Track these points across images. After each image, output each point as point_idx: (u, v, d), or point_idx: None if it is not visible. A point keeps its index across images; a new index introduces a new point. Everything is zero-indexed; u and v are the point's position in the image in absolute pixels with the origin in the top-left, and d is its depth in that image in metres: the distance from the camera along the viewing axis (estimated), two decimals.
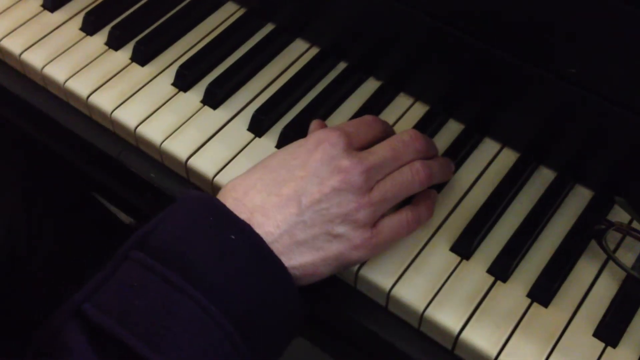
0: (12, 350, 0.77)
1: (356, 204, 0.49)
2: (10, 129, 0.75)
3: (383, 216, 0.51)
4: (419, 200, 0.54)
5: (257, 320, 0.46)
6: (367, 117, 0.55)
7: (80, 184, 0.84)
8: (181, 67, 0.66)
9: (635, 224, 0.55)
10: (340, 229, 0.49)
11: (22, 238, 0.74)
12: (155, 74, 0.66)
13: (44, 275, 0.77)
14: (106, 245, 0.85)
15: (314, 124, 0.58)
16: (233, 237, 0.46)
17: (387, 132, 0.55)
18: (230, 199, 0.49)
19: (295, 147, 0.51)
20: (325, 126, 0.57)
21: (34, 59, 0.67)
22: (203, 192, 0.49)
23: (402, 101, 0.65)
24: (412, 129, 0.54)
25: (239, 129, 0.62)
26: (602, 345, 0.50)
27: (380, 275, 0.53)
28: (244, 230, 0.47)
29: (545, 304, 0.52)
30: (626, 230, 0.55)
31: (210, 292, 0.44)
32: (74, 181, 0.83)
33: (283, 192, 0.49)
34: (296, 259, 0.48)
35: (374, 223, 0.50)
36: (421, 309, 0.52)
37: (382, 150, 0.51)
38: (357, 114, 0.63)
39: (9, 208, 0.73)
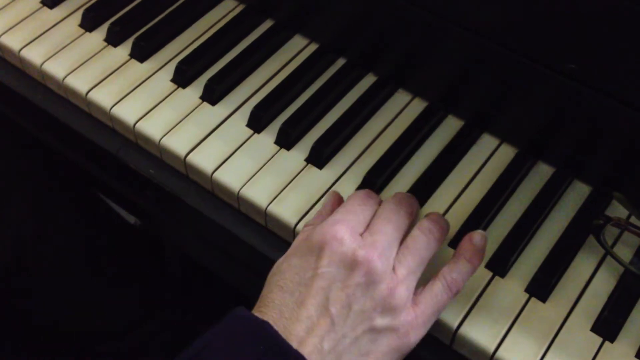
0: (15, 353, 0.77)
1: (387, 289, 0.46)
2: (9, 127, 0.75)
3: (420, 289, 0.49)
4: (458, 252, 0.51)
5: None
6: (360, 195, 0.52)
7: (83, 183, 0.84)
8: (180, 63, 0.66)
9: (633, 220, 0.56)
10: (383, 322, 0.46)
11: (29, 241, 0.74)
12: (154, 70, 0.66)
13: (49, 276, 0.78)
14: (112, 246, 0.85)
15: (331, 196, 0.56)
16: None
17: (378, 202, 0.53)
18: None
19: (301, 257, 0.48)
20: (342, 200, 0.55)
21: (33, 55, 0.67)
22: (251, 313, 0.46)
23: (400, 97, 0.65)
24: (394, 196, 0.52)
25: (238, 125, 0.62)
26: (600, 340, 0.50)
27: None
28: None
29: (543, 299, 0.52)
30: (624, 226, 0.55)
31: None
32: (77, 180, 0.83)
33: (311, 312, 0.45)
34: None
35: (412, 300, 0.48)
36: None
37: (382, 227, 0.49)
38: (355, 110, 0.63)
39: (16, 210, 0.73)
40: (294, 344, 0.44)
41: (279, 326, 0.45)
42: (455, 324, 0.51)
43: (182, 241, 0.73)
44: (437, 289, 0.48)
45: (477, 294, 0.52)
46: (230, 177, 0.59)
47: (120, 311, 0.85)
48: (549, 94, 0.56)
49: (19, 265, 0.73)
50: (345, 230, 0.48)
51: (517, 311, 0.52)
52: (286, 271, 0.48)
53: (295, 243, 0.50)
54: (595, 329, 0.51)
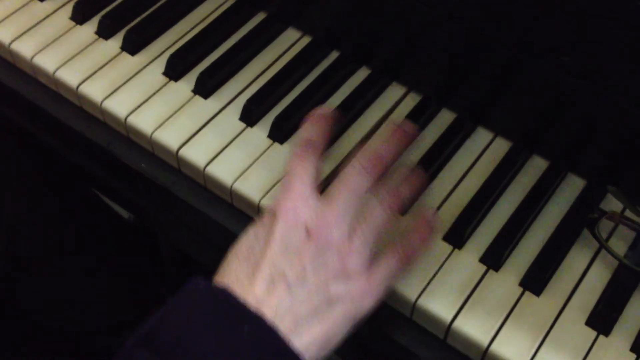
0: (13, 352, 0.77)
1: (340, 258, 0.47)
2: (0, 122, 0.74)
3: (375, 258, 0.49)
4: (412, 228, 0.51)
5: None
6: (295, 152, 0.51)
7: (75, 178, 0.84)
8: (172, 56, 0.65)
9: (627, 213, 0.55)
10: (338, 289, 0.46)
11: (21, 238, 0.73)
12: (145, 63, 0.65)
13: (45, 274, 0.77)
14: (106, 241, 0.85)
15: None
16: (246, 329, 0.43)
17: (323, 136, 0.52)
18: None
19: (256, 228, 0.49)
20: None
21: (24, 48, 0.67)
22: (206, 281, 0.46)
23: (394, 90, 0.64)
24: (356, 156, 0.51)
25: (231, 118, 0.62)
26: (595, 333, 0.50)
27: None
28: (259, 323, 0.43)
29: (538, 292, 0.52)
30: (619, 219, 0.55)
31: None
32: (70, 175, 0.83)
33: (266, 276, 0.46)
34: (305, 335, 0.45)
35: (367, 268, 0.48)
36: (413, 298, 0.52)
37: (338, 192, 0.49)
38: (350, 104, 0.63)
39: (10, 208, 0.73)
40: (252, 305, 0.44)
41: (236, 291, 0.45)
42: (449, 318, 0.51)
43: (175, 236, 0.73)
44: (390, 259, 0.49)
45: (471, 288, 0.52)
46: (223, 171, 0.58)
47: (115, 306, 0.84)
48: (542, 86, 0.55)
49: (13, 262, 0.73)
50: (296, 200, 0.48)
51: (511, 305, 0.51)
52: (242, 242, 0.49)
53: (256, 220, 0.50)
54: (590, 322, 0.51)
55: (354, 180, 0.50)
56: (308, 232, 0.47)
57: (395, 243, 0.50)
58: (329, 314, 0.46)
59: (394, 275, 0.49)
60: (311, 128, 0.53)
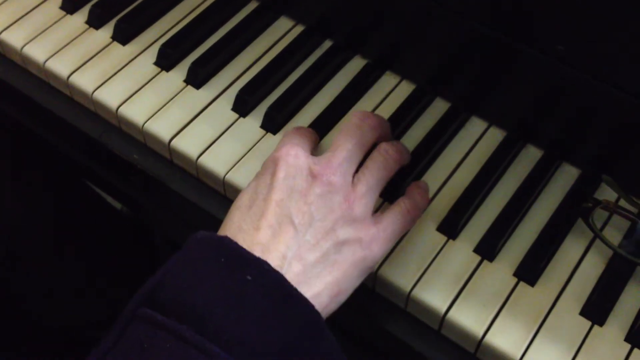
0: (11, 347, 0.77)
1: (346, 201, 0.47)
2: None
3: (379, 212, 0.49)
4: (410, 190, 0.53)
5: None
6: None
7: (68, 170, 0.83)
8: (163, 45, 0.64)
9: (622, 202, 0.55)
10: (345, 233, 0.46)
11: (15, 230, 0.73)
12: (136, 53, 0.65)
13: (40, 268, 0.77)
14: (100, 233, 0.84)
15: None
16: (249, 277, 0.42)
17: None
18: None
19: (257, 177, 0.48)
20: None
21: (13, 38, 0.66)
22: (210, 232, 0.45)
23: (388, 80, 0.64)
24: (358, 111, 0.52)
25: (223, 108, 0.61)
26: (589, 323, 0.50)
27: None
28: (262, 269, 0.42)
29: (532, 283, 0.52)
30: (613, 209, 0.55)
31: (230, 345, 0.40)
32: (63, 167, 0.82)
33: (271, 221, 0.45)
34: (316, 284, 0.44)
35: (373, 218, 0.48)
36: (408, 289, 0.51)
37: (342, 142, 0.49)
38: (343, 93, 0.62)
39: (4, 202, 0.72)
40: (257, 252, 0.43)
41: (239, 239, 0.44)
42: (443, 309, 0.51)
43: (168, 227, 0.73)
44: (396, 212, 0.50)
45: (465, 279, 0.52)
46: (216, 162, 0.58)
47: (111, 299, 0.84)
48: (537, 75, 0.55)
49: (7, 255, 0.72)
50: (297, 147, 0.48)
51: (505, 295, 0.51)
52: (244, 193, 0.48)
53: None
54: (584, 312, 0.51)
55: (357, 131, 0.50)
56: (312, 174, 0.47)
57: (398, 200, 0.51)
58: (339, 259, 0.46)
59: (400, 228, 0.49)
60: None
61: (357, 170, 0.49)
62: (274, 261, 0.43)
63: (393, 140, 0.54)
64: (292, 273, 0.44)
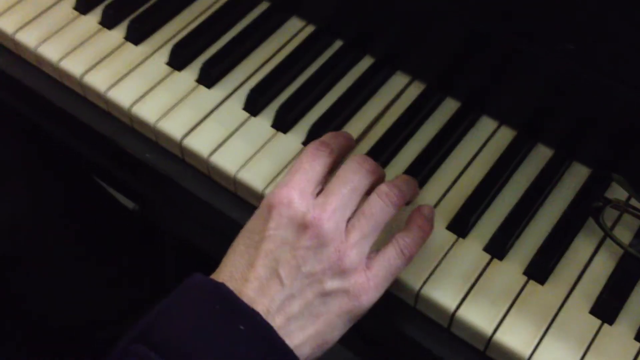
0: (11, 347, 0.77)
1: (337, 253, 0.45)
2: (3, 111, 0.74)
3: (374, 254, 0.48)
4: (411, 219, 0.51)
5: None
6: (307, 150, 0.50)
7: (79, 168, 0.84)
8: (176, 45, 0.65)
9: (633, 201, 0.55)
10: (332, 284, 0.45)
11: (24, 228, 0.73)
12: (149, 53, 0.65)
13: (45, 267, 0.77)
14: (109, 231, 0.85)
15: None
16: (242, 327, 0.42)
17: (338, 148, 0.51)
18: None
19: (253, 222, 0.48)
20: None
21: (28, 38, 0.67)
22: (204, 277, 0.46)
23: (398, 79, 0.64)
24: (355, 155, 0.51)
25: (234, 108, 0.62)
26: (599, 322, 0.50)
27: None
28: (254, 320, 0.43)
29: (542, 281, 0.52)
30: (624, 208, 0.55)
31: None
32: (73, 165, 0.83)
33: (260, 273, 0.45)
34: (298, 335, 0.45)
35: (365, 264, 0.47)
36: (417, 287, 0.52)
37: (337, 187, 0.48)
38: (353, 93, 0.63)
39: (12, 196, 0.73)
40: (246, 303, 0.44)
41: (230, 288, 0.45)
42: (453, 307, 0.51)
43: (179, 225, 0.73)
44: (390, 253, 0.48)
45: (475, 277, 0.52)
46: (227, 161, 0.58)
47: (118, 297, 0.84)
48: (547, 74, 0.55)
49: (15, 252, 0.73)
50: (293, 192, 0.47)
51: (515, 294, 0.51)
52: (240, 237, 0.48)
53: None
54: (594, 311, 0.51)
55: (353, 177, 0.48)
56: (304, 224, 0.46)
57: (395, 238, 0.49)
58: (323, 311, 0.45)
59: (393, 271, 0.48)
60: (332, 136, 0.52)
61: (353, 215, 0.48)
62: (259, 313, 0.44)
63: (397, 178, 0.52)
64: (275, 326, 0.44)
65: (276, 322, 0.44)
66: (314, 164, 0.49)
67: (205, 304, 0.44)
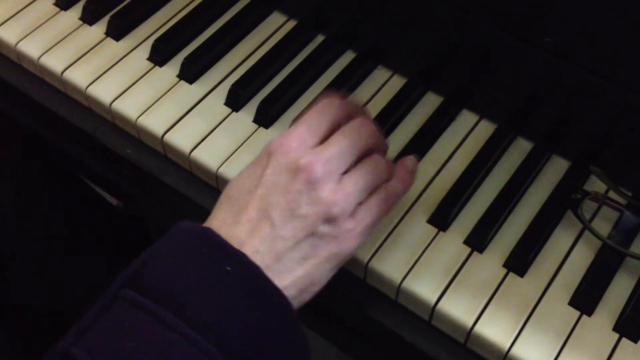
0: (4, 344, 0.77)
1: (328, 198, 0.46)
2: None
3: (359, 204, 0.49)
4: (395, 171, 0.52)
5: (260, 356, 0.43)
6: (319, 104, 0.51)
7: (62, 165, 0.83)
8: (156, 41, 0.65)
9: (611, 194, 0.56)
10: (322, 229, 0.46)
11: (9, 225, 0.73)
12: (130, 49, 0.65)
13: (30, 259, 0.77)
14: (94, 228, 0.84)
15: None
16: (229, 268, 0.43)
17: (348, 111, 0.52)
18: None
19: (250, 168, 0.49)
20: None
21: (8, 35, 0.66)
22: (194, 223, 0.46)
23: (379, 74, 0.64)
24: (361, 115, 0.52)
25: (216, 103, 0.62)
26: (578, 313, 0.51)
27: (358, 248, 0.53)
28: (241, 261, 0.44)
29: (521, 273, 0.52)
30: (602, 200, 0.55)
31: (207, 330, 0.41)
32: (57, 162, 0.82)
33: (251, 215, 0.46)
34: (286, 277, 0.45)
35: (352, 211, 0.48)
36: (398, 280, 0.52)
37: (336, 140, 0.48)
38: (335, 87, 0.63)
39: None
40: (234, 245, 0.45)
41: (221, 232, 0.45)
42: (433, 300, 0.51)
43: (163, 221, 0.73)
44: (374, 202, 0.49)
45: (455, 270, 0.52)
46: (209, 156, 0.58)
47: (102, 292, 0.84)
48: (526, 68, 0.55)
49: (0, 249, 0.73)
50: (293, 140, 0.48)
51: (495, 286, 0.52)
52: (235, 182, 0.49)
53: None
54: (573, 302, 0.51)
55: (355, 134, 0.49)
56: (297, 168, 0.46)
57: (377, 189, 0.50)
58: (311, 253, 0.46)
59: (377, 217, 0.49)
60: (349, 101, 0.52)
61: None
62: (249, 255, 0.44)
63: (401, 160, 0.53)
64: (263, 266, 0.44)
65: (265, 261, 0.45)
66: (321, 117, 0.50)
67: (192, 248, 0.44)
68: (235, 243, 0.45)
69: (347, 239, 0.47)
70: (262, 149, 0.49)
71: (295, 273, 0.46)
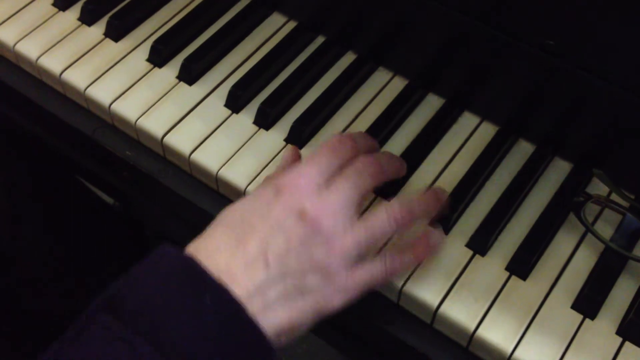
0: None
1: (326, 250, 0.45)
2: None
3: (360, 262, 0.47)
4: (413, 242, 0.50)
5: None
6: (329, 142, 0.50)
7: (60, 166, 0.83)
8: (156, 42, 0.64)
9: (613, 196, 0.55)
10: (313, 281, 0.45)
11: (4, 225, 0.73)
12: (129, 50, 0.65)
13: (26, 261, 0.77)
14: (90, 228, 0.84)
15: (288, 152, 0.54)
16: (209, 301, 0.42)
17: (359, 150, 0.51)
18: None
19: (256, 199, 0.48)
20: (299, 156, 0.54)
21: (6, 36, 0.66)
22: (177, 247, 0.45)
23: (381, 75, 0.64)
24: (364, 155, 0.50)
25: (216, 105, 0.62)
26: (580, 317, 0.50)
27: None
28: (221, 295, 0.43)
29: (524, 277, 0.52)
30: (605, 203, 0.55)
31: None
32: (54, 163, 0.82)
33: (248, 251, 0.45)
34: (270, 319, 0.44)
35: (349, 268, 0.47)
36: (400, 284, 0.52)
37: (342, 184, 0.47)
38: (336, 89, 0.62)
39: None
40: (225, 279, 0.43)
41: (212, 259, 0.44)
42: (435, 303, 0.51)
43: (160, 223, 0.73)
44: (375, 268, 0.48)
45: (457, 273, 0.52)
46: (208, 158, 0.58)
47: (99, 293, 0.84)
48: (527, 70, 0.55)
49: None
50: (302, 180, 0.47)
51: (497, 289, 0.51)
52: (237, 209, 0.47)
53: (254, 191, 0.49)
54: (576, 306, 0.51)
55: (357, 177, 0.48)
56: (304, 214, 0.46)
57: (385, 254, 0.48)
58: (298, 302, 0.45)
59: (374, 283, 0.48)
60: (361, 135, 0.51)
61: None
62: (236, 291, 0.43)
63: (421, 195, 0.51)
64: (250, 306, 0.43)
65: (252, 301, 0.44)
66: (332, 156, 0.49)
67: (173, 275, 0.43)
68: (225, 276, 0.44)
69: (335, 295, 0.46)
70: (269, 180, 0.48)
71: (278, 317, 0.45)
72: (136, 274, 0.44)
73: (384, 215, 0.48)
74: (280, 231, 0.45)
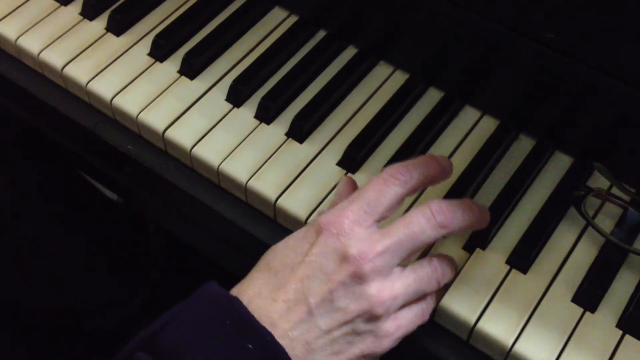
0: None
1: (374, 297, 0.44)
2: None
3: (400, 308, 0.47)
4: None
5: None
6: (380, 178, 0.46)
7: (61, 160, 0.83)
8: (157, 36, 0.65)
9: (614, 190, 0.55)
10: (363, 327, 0.44)
11: (7, 219, 0.73)
12: (130, 44, 0.65)
13: (26, 260, 0.77)
14: (92, 223, 0.84)
15: (342, 184, 0.51)
16: (251, 346, 0.41)
17: (413, 189, 0.48)
18: None
19: (297, 240, 0.46)
20: (354, 188, 0.50)
21: (8, 30, 0.66)
22: (221, 288, 0.44)
23: (382, 69, 0.64)
24: (437, 200, 0.47)
25: (217, 99, 0.62)
26: (581, 310, 0.51)
27: None
28: (265, 341, 0.42)
29: (524, 270, 0.52)
30: (605, 196, 0.55)
31: None
32: (56, 160, 0.82)
33: (289, 296, 0.43)
34: None
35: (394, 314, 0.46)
36: None
37: (396, 230, 0.45)
38: (337, 83, 0.62)
39: None
40: (265, 325, 0.43)
41: (253, 304, 0.44)
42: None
43: (162, 217, 0.73)
44: (415, 311, 0.47)
45: (458, 267, 0.52)
46: (210, 152, 0.58)
47: (102, 289, 0.84)
48: (528, 64, 0.55)
49: None
50: (346, 221, 0.44)
51: (498, 283, 0.52)
52: (279, 251, 0.46)
53: (299, 229, 0.48)
54: (576, 299, 0.51)
55: (419, 224, 0.45)
56: (346, 258, 0.43)
57: (425, 299, 0.48)
58: (344, 349, 0.44)
59: (413, 326, 0.47)
60: (420, 163, 0.48)
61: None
62: (278, 338, 0.42)
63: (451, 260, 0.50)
64: (293, 352, 0.42)
65: (295, 348, 0.43)
66: (381, 194, 0.46)
67: (216, 317, 0.42)
68: (265, 321, 0.43)
69: (384, 340, 0.45)
70: (312, 221, 0.46)
71: None
72: (178, 311, 0.43)
73: (428, 268, 0.47)
74: (320, 273, 0.44)
